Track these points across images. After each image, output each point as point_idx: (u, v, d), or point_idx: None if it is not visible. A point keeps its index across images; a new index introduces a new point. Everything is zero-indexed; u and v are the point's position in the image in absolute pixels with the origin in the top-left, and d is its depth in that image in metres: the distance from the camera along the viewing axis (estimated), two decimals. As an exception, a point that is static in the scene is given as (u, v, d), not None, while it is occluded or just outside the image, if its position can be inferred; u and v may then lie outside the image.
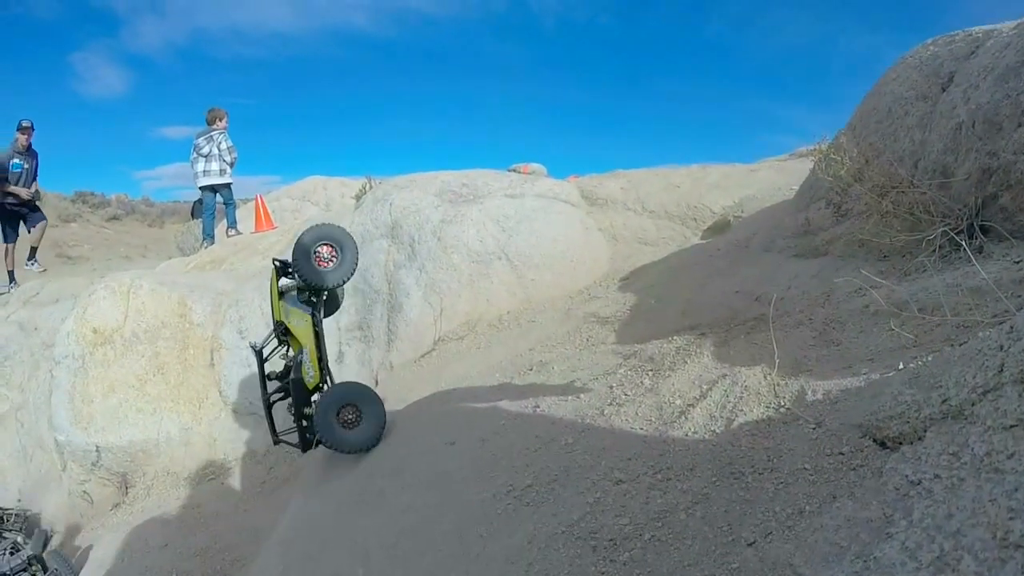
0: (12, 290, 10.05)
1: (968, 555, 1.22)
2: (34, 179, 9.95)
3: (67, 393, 7.00)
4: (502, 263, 6.19)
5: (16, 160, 9.65)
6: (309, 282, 4.35)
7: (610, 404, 2.97)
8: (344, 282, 4.49)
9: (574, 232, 6.57)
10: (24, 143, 9.72)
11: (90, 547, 6.18)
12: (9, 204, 9.80)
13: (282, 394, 4.71)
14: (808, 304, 3.60)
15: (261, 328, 6.77)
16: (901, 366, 2.33)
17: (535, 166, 9.15)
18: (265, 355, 4.69)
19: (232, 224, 10.14)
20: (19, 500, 7.22)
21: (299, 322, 4.43)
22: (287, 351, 4.63)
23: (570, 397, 3.27)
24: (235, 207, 10.37)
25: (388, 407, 5.22)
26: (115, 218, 24.44)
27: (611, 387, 3.18)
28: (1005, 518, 1.21)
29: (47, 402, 7.32)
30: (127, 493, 6.79)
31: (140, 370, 6.99)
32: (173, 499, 6.38)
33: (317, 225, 4.46)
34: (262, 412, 6.14)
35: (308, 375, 4.44)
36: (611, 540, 1.89)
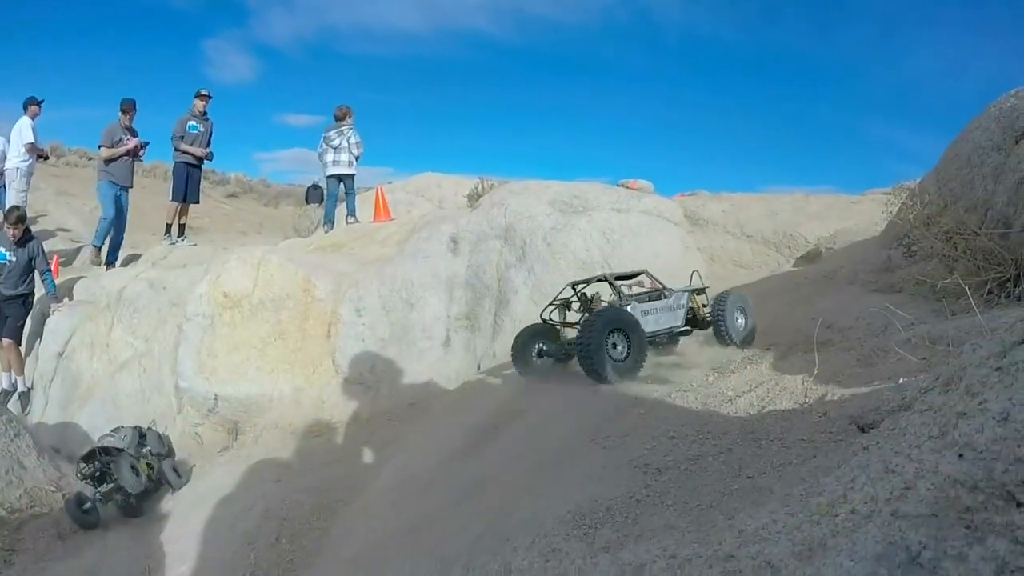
0: (180, 244, 11.90)
1: (867, 481, 2.16)
2: (208, 143, 11.74)
3: (194, 347, 8.27)
4: (604, 271, 7.18)
5: (192, 122, 11.46)
6: None
7: (678, 391, 4.04)
8: None
9: (674, 250, 7.49)
10: (201, 108, 11.53)
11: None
12: (186, 163, 11.60)
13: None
14: (867, 334, 4.54)
15: (378, 308, 7.95)
16: (901, 380, 3.27)
17: (643, 183, 10.00)
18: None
19: (352, 212, 11.60)
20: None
21: None
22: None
23: (647, 385, 4.33)
24: (355, 196, 11.82)
25: (491, 390, 6.31)
26: (233, 195, 27.29)
27: (681, 382, 4.24)
28: (900, 463, 2.14)
29: (171, 352, 8.63)
30: (236, 439, 7.92)
31: (263, 334, 8.20)
32: (280, 449, 7.36)
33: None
34: (369, 383, 7.37)
35: None
36: (658, 468, 2.95)
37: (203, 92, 11.61)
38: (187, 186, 11.74)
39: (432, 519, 4.08)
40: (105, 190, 11.22)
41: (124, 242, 11.83)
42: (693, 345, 5.79)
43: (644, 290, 5.79)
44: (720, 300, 5.44)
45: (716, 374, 4.25)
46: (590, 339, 4.60)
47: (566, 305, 5.68)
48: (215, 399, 8.01)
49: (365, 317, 7.97)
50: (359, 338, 7.93)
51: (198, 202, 12.59)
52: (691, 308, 5.55)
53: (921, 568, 1.57)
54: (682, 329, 5.54)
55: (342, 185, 11.51)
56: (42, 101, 12.68)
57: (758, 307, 5.95)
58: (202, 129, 11.58)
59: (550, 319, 5.64)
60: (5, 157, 12.77)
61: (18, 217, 9.72)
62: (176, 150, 11.50)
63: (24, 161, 12.51)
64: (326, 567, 4.81)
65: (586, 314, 5.33)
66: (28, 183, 12.87)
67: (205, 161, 12.01)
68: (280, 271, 8.49)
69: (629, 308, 5.08)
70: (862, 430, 2.86)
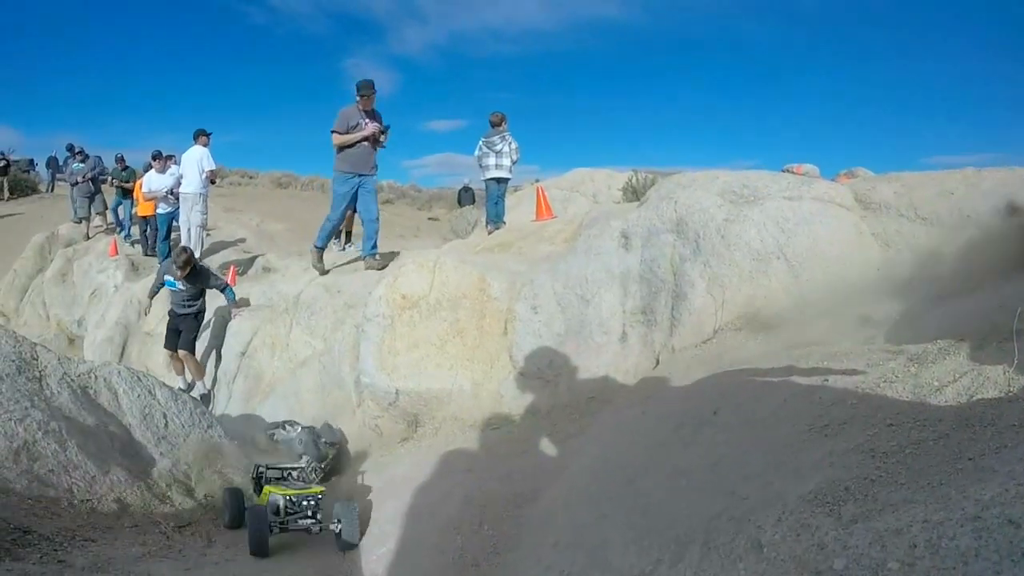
0: (349, 249, 13.36)
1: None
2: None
3: (375, 345, 9.26)
4: (780, 262, 7.59)
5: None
6: None
7: (884, 382, 4.57)
8: None
9: (848, 236, 7.81)
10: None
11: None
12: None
13: None
14: (1061, 321, 4.89)
15: (553, 304, 8.67)
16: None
17: (808, 167, 10.34)
18: None
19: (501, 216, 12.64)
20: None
21: None
22: None
23: (850, 376, 4.86)
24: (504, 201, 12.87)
25: (674, 383, 6.89)
26: (388, 202, 29.52)
27: (883, 373, 4.75)
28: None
29: (350, 351, 9.75)
30: (416, 431, 8.88)
31: (441, 332, 9.11)
32: (462, 440, 8.22)
33: None
34: (547, 377, 8.10)
35: None
36: (884, 453, 3.52)
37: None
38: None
39: (645, 506, 4.65)
40: (336, 187, 11.58)
41: (329, 233, 12.19)
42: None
43: None
44: None
45: (916, 365, 4.73)
46: None
47: None
48: (396, 393, 8.92)
49: (541, 314, 8.70)
50: (536, 334, 8.66)
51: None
52: None
53: None
54: None
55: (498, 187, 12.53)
56: (211, 133, 14.48)
57: (937, 296, 6.33)
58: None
59: None
60: (179, 183, 14.80)
61: (184, 262, 10.77)
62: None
63: (206, 187, 14.49)
64: (532, 552, 5.43)
65: None
66: (207, 205, 14.93)
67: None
68: (455, 272, 9.38)
69: None
70: (1072, 415, 3.37)
